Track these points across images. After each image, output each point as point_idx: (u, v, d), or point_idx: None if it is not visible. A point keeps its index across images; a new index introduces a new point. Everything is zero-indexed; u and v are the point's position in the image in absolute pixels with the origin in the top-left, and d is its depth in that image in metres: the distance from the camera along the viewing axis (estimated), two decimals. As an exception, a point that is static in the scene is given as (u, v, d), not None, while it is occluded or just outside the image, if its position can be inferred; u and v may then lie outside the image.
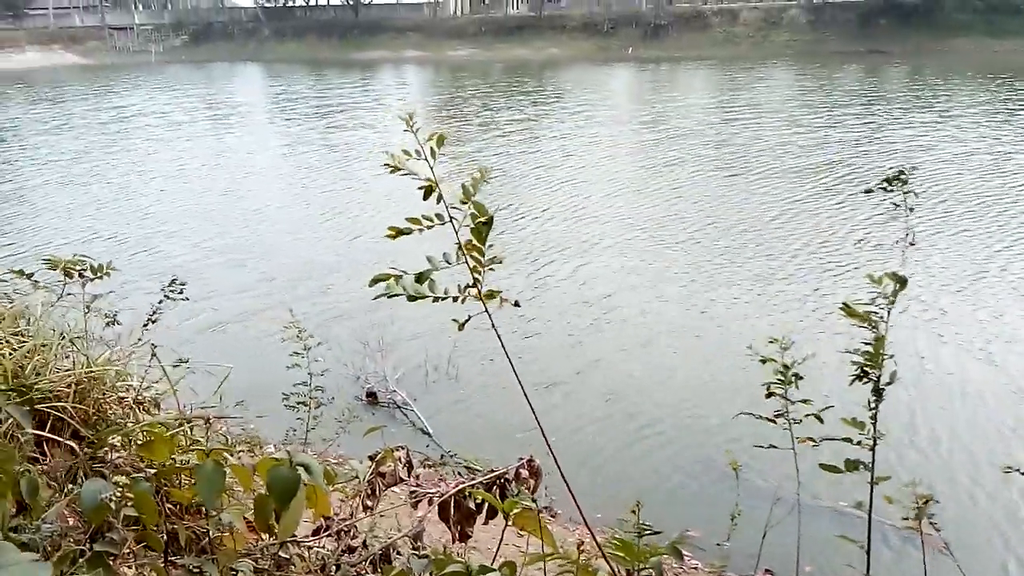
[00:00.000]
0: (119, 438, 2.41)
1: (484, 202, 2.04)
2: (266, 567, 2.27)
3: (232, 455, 2.25)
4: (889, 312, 2.45)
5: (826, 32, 66.37)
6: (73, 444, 2.41)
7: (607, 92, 46.10)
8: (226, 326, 11.77)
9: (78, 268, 3.21)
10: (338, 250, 15.87)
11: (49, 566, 1.17)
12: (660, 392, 9.54)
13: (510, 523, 2.29)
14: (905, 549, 6.20)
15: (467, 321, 2.02)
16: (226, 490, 2.19)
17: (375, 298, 1.93)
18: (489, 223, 1.88)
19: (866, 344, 2.49)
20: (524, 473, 3.24)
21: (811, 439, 2.96)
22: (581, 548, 2.04)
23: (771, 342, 2.97)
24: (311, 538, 2.75)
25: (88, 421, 2.54)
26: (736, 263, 14.02)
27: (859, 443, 2.48)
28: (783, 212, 17.20)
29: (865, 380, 2.42)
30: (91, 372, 2.69)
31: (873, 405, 2.46)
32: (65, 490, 2.19)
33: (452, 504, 2.98)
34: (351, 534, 2.93)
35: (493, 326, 2.02)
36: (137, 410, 2.79)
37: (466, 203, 1.94)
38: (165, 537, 2.12)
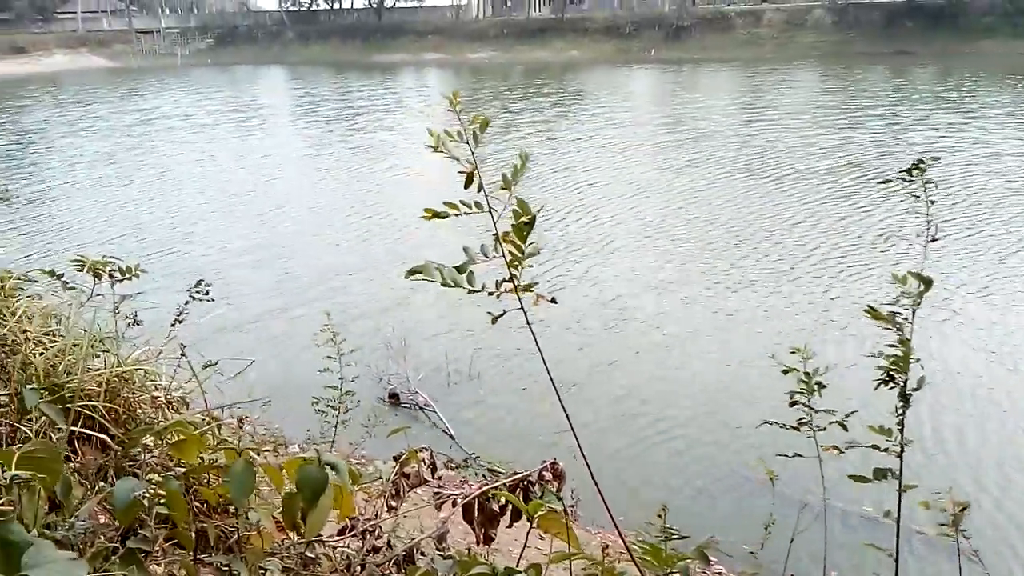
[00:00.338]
0: (151, 437, 2.44)
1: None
2: (293, 566, 2.28)
3: (258, 455, 2.27)
4: (914, 313, 2.41)
5: (851, 33, 65.75)
6: (105, 440, 2.43)
7: (627, 94, 45.99)
8: (245, 326, 11.87)
9: (107, 269, 3.24)
10: (357, 251, 15.97)
11: (85, 564, 1.18)
12: (676, 395, 9.50)
13: (534, 525, 2.28)
14: (931, 556, 6.12)
15: (502, 315, 2.01)
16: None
17: (409, 277, 1.91)
18: (532, 222, 1.86)
19: (891, 347, 2.45)
20: (547, 475, 3.24)
21: (836, 448, 2.92)
22: (606, 551, 2.02)
23: (793, 351, 2.93)
24: (336, 538, 2.77)
25: (118, 420, 2.57)
26: (755, 264, 13.94)
27: (886, 450, 2.44)
28: (803, 214, 17.07)
29: (891, 386, 2.38)
30: (121, 371, 2.72)
31: (900, 411, 2.41)
32: (96, 488, 2.22)
33: (476, 506, 2.98)
34: (375, 534, 2.94)
35: (528, 323, 2.01)
36: (166, 409, 2.82)
37: (505, 189, 1.92)
38: (194, 535, 2.14)
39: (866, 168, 21.32)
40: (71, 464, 2.32)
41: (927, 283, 2.41)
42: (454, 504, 3.03)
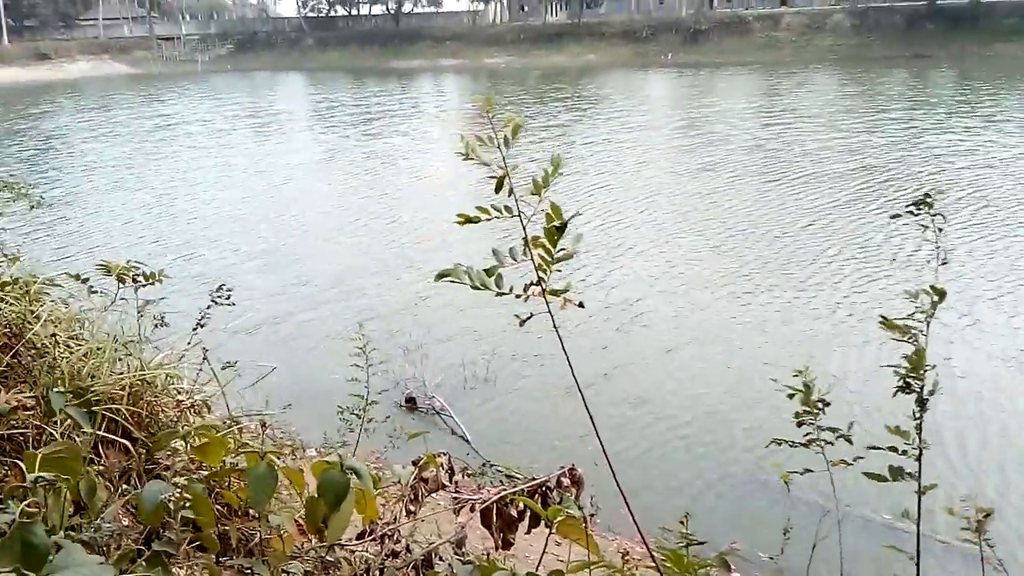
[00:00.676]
0: (177, 441, 2.46)
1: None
2: (313, 569, 2.29)
3: (278, 458, 2.28)
4: (928, 325, 2.40)
5: (870, 37, 65.32)
6: (128, 445, 2.46)
7: (643, 98, 45.94)
8: (258, 329, 11.94)
9: (131, 274, 3.28)
10: (370, 254, 16.05)
11: (112, 568, 1.20)
12: (688, 399, 9.45)
13: (553, 531, 2.28)
14: (951, 563, 6.04)
15: (529, 318, 2.01)
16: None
17: (439, 279, 1.92)
18: (563, 228, 1.87)
19: (906, 358, 2.44)
20: (565, 481, 3.23)
21: (844, 461, 2.93)
22: (626, 558, 2.02)
23: (796, 374, 2.95)
24: (355, 542, 2.78)
25: (141, 423, 2.60)
26: (768, 268, 13.89)
27: (904, 453, 2.43)
28: (817, 218, 16.97)
29: (908, 391, 2.38)
30: (144, 375, 2.75)
31: (917, 416, 2.40)
32: (120, 491, 2.24)
33: (494, 511, 2.98)
34: (394, 538, 2.95)
35: (555, 326, 2.02)
36: (188, 413, 2.84)
37: (535, 194, 1.92)
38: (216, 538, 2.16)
39: (881, 172, 21.18)
40: (95, 467, 2.34)
41: (941, 295, 2.40)
42: (472, 509, 3.03)
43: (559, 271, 1.96)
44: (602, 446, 2.17)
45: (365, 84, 60.57)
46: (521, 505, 3.00)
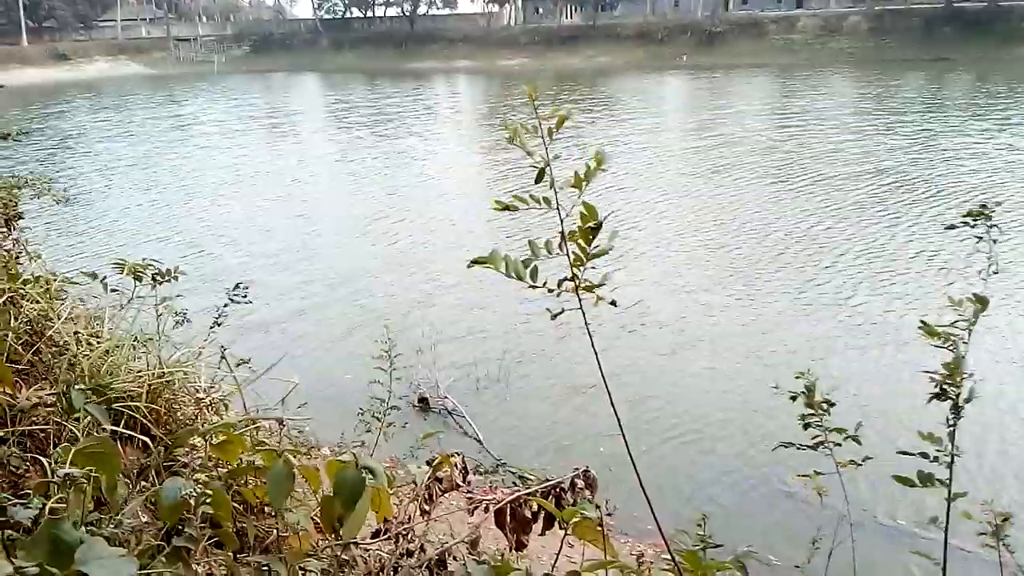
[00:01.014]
0: (195, 438, 2.48)
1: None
2: (329, 567, 2.30)
3: (295, 457, 2.30)
4: (970, 333, 2.38)
5: (887, 39, 64.88)
6: (147, 442, 2.48)
7: (657, 100, 45.85)
8: (269, 327, 11.98)
9: (148, 272, 3.31)
10: (382, 255, 16.10)
11: (135, 561, 1.21)
12: (696, 400, 9.41)
13: (569, 533, 2.28)
14: (970, 570, 5.98)
15: (560, 312, 2.02)
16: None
17: (473, 265, 1.92)
18: (598, 228, 1.87)
19: (944, 365, 2.42)
20: (579, 483, 3.23)
21: (853, 462, 2.92)
22: (641, 560, 2.02)
23: (797, 377, 2.94)
24: (370, 540, 2.79)
25: (159, 421, 2.62)
26: (779, 270, 13.84)
27: (935, 459, 2.42)
28: (827, 220, 16.89)
29: (943, 398, 2.36)
30: (162, 373, 2.77)
31: (951, 423, 2.39)
32: (138, 487, 2.26)
33: (508, 512, 2.98)
34: (408, 537, 2.96)
35: (586, 323, 2.02)
36: (206, 410, 2.86)
37: (575, 188, 1.93)
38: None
39: (894, 174, 21.06)
40: (116, 461, 2.36)
41: (983, 303, 2.38)
42: (486, 510, 3.04)
43: (594, 268, 1.96)
44: (627, 448, 2.17)
45: (379, 85, 60.77)
46: (535, 506, 3.01)
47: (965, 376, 2.36)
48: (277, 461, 1.87)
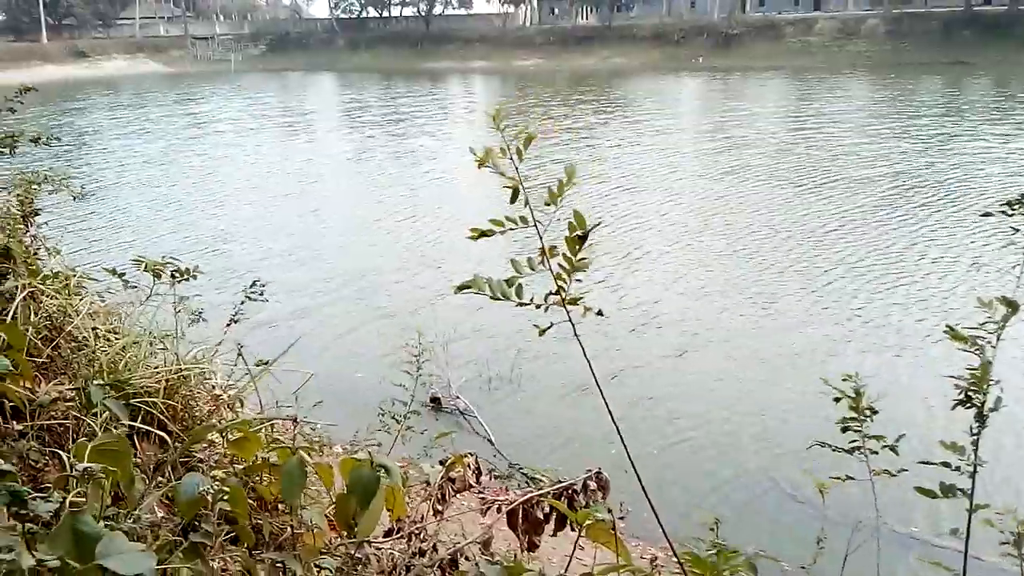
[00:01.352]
0: (213, 435, 2.50)
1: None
2: (342, 565, 2.32)
3: (308, 455, 2.31)
4: (998, 338, 2.35)
5: (905, 43, 64.40)
6: (163, 437, 2.50)
7: (671, 101, 45.73)
8: (279, 322, 12.02)
9: (168, 270, 3.34)
10: (393, 253, 16.15)
11: (154, 555, 1.22)
12: (700, 401, 9.39)
13: (582, 535, 2.28)
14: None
15: (549, 328, 2.02)
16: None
17: (459, 291, 1.93)
18: (584, 237, 1.87)
19: (970, 370, 2.39)
20: (592, 485, 3.22)
21: (888, 471, 2.88)
22: (654, 563, 2.01)
23: (845, 379, 2.91)
24: (383, 539, 2.80)
25: (176, 416, 2.64)
26: (788, 273, 13.79)
27: (958, 468, 2.39)
28: (837, 223, 16.82)
29: (968, 405, 2.33)
30: (179, 369, 2.79)
31: (976, 431, 2.36)
32: (155, 483, 2.28)
33: (520, 513, 2.99)
34: (421, 537, 2.97)
35: (576, 335, 2.02)
36: (222, 407, 2.88)
37: (550, 205, 1.93)
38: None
39: (907, 177, 20.95)
40: (132, 459, 2.38)
41: (1014, 307, 2.35)
42: (499, 510, 3.04)
43: (579, 280, 1.96)
44: (627, 452, 2.16)
45: (395, 85, 60.95)
46: (547, 507, 3.01)
47: (991, 383, 2.33)
48: (291, 458, 1.88)
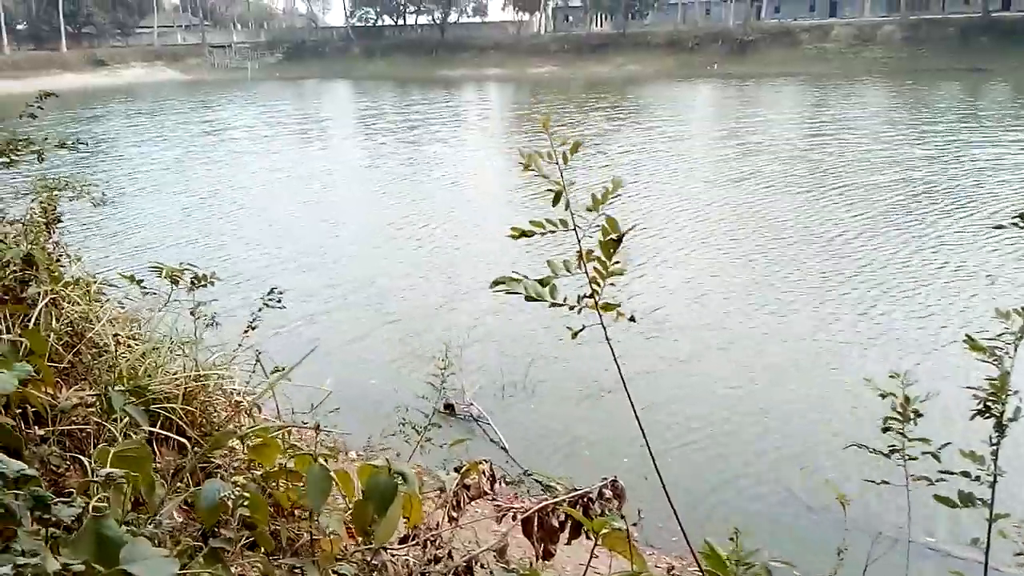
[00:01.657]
0: (233, 441, 2.52)
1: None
2: (359, 572, 2.32)
3: (327, 461, 2.32)
4: (1016, 348, 2.33)
5: (922, 49, 64.03)
6: (184, 443, 2.52)
7: (684, 108, 45.65)
8: (291, 328, 12.04)
9: (187, 276, 3.37)
10: (403, 259, 16.19)
11: (176, 561, 1.23)
12: (709, 407, 9.33)
13: (598, 543, 2.27)
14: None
15: (582, 330, 2.02)
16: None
17: (494, 288, 1.94)
18: (619, 240, 1.88)
19: (989, 380, 2.37)
20: (607, 493, 3.22)
21: (927, 478, 2.84)
22: (672, 573, 2.01)
23: (892, 376, 2.87)
24: (399, 546, 2.81)
25: (194, 422, 2.66)
26: (799, 280, 13.71)
27: (978, 479, 2.37)
28: (851, 229, 16.69)
29: (987, 415, 2.31)
30: (198, 375, 2.82)
31: (995, 441, 2.34)
32: (174, 488, 2.30)
33: (535, 521, 2.98)
34: (436, 544, 2.97)
35: (607, 338, 2.02)
36: (240, 413, 2.90)
37: (592, 210, 1.94)
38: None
39: (920, 184, 20.81)
40: (152, 464, 2.40)
41: None
42: (514, 518, 3.04)
43: (612, 284, 1.96)
44: (653, 461, 2.15)
45: (410, 93, 61.22)
46: (562, 515, 3.00)
47: (1010, 393, 2.32)
48: (314, 465, 1.89)
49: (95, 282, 3.53)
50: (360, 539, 2.32)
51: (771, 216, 18.15)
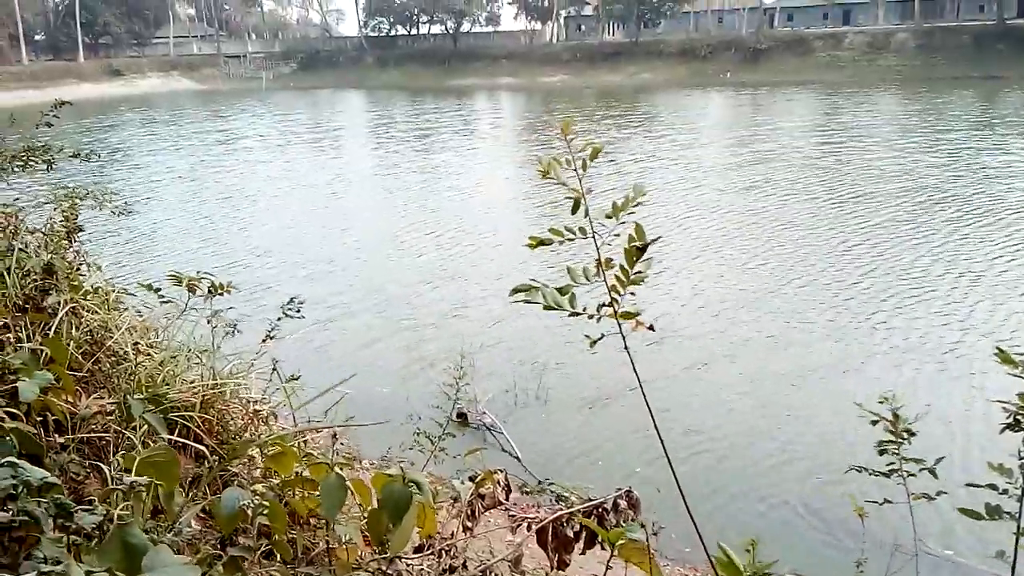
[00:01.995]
0: (251, 449, 2.53)
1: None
2: (375, 582, 2.33)
3: (342, 470, 2.33)
4: None
5: (936, 57, 63.69)
6: (203, 451, 2.54)
7: (696, 116, 45.57)
8: (303, 336, 12.05)
9: (205, 285, 3.40)
10: (413, 267, 16.24)
11: (198, 569, 1.24)
12: (715, 416, 9.29)
13: (614, 554, 2.27)
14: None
15: (600, 338, 2.02)
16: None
17: (513, 296, 1.94)
18: (644, 248, 1.88)
19: (1020, 395, 2.35)
20: (622, 504, 3.20)
21: (926, 495, 2.83)
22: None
23: (881, 401, 2.87)
24: (414, 555, 2.81)
25: (212, 431, 2.68)
26: (804, 287, 13.68)
27: (1005, 492, 2.35)
28: (858, 237, 16.63)
29: (1017, 428, 2.29)
30: (215, 384, 2.83)
31: (1024, 454, 2.32)
32: (192, 496, 2.32)
33: (550, 531, 2.98)
34: (451, 553, 2.97)
35: (626, 347, 2.02)
36: (257, 422, 2.92)
37: (611, 217, 1.94)
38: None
39: (931, 192, 20.69)
40: (179, 469, 2.42)
41: None
42: (529, 528, 3.04)
43: (633, 294, 1.96)
44: (674, 475, 2.15)
45: (422, 102, 61.48)
46: (577, 526, 2.99)
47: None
48: (329, 475, 1.90)
49: (114, 291, 3.57)
50: (376, 548, 2.32)
51: (779, 223, 18.14)
